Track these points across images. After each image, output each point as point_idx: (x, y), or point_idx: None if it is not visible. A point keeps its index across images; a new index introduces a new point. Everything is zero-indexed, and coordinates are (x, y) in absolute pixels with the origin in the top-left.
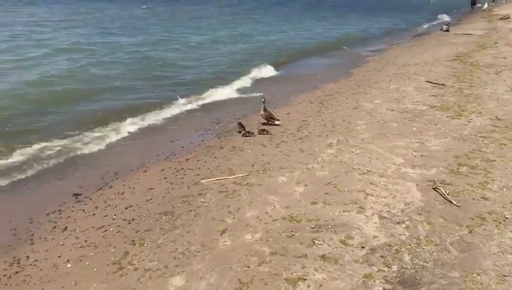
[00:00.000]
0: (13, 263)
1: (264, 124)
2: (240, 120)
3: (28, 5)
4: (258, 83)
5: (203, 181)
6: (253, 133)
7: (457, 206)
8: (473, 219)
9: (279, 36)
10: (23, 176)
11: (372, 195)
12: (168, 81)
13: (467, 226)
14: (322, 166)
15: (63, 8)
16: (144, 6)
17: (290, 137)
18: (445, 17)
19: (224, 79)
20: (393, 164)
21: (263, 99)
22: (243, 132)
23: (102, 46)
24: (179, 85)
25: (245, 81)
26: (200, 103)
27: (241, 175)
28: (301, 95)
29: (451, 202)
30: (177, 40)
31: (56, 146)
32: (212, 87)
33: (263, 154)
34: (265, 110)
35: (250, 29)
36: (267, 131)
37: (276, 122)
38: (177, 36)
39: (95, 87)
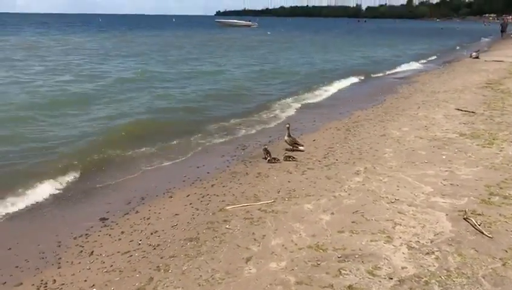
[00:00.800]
0: (40, 286)
1: (288, 150)
2: (266, 146)
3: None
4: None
5: (228, 207)
6: (278, 159)
7: (490, 237)
8: (506, 251)
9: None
10: (51, 199)
11: (401, 224)
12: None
13: (500, 259)
14: (349, 194)
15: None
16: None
17: (316, 164)
18: (481, 42)
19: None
20: (422, 193)
21: (288, 125)
22: (268, 158)
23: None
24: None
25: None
26: (226, 133)
27: (267, 202)
28: (328, 121)
29: (482, 233)
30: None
31: (84, 170)
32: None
33: (289, 181)
34: (289, 135)
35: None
36: (293, 157)
37: (301, 147)
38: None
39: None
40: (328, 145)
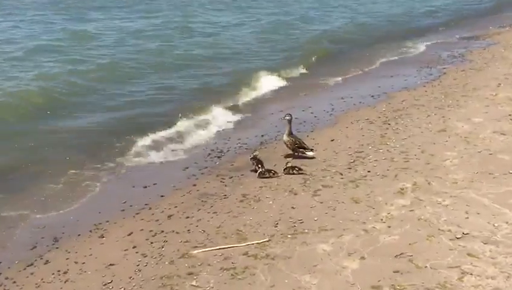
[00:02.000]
0: None
1: (290, 156)
2: (256, 152)
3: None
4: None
5: (195, 252)
6: (275, 172)
7: None
8: None
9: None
10: None
11: (472, 274)
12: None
13: None
14: (389, 226)
15: None
16: None
17: (337, 178)
18: None
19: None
20: (506, 223)
21: (288, 117)
22: (259, 170)
23: None
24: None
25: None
26: (196, 120)
27: (257, 242)
28: (354, 109)
29: None
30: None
31: None
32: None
33: (293, 207)
34: (290, 134)
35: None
36: (298, 169)
37: (309, 153)
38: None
39: None
40: (354, 148)
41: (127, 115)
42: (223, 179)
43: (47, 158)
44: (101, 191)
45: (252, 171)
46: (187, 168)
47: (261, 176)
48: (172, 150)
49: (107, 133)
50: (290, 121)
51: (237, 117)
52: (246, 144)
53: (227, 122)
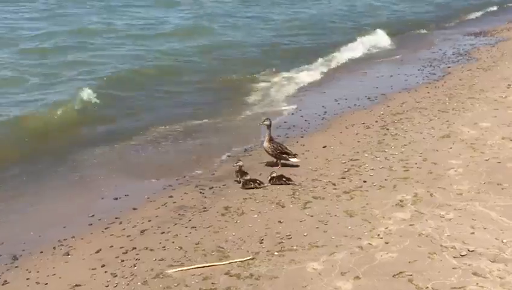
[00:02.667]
0: None
1: (274, 165)
2: (240, 162)
3: None
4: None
5: (171, 271)
6: (261, 182)
7: None
8: None
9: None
10: None
11: None
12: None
13: None
14: (387, 242)
15: None
16: None
17: (329, 189)
18: None
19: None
20: None
21: (267, 122)
22: (243, 180)
23: None
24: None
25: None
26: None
27: (241, 260)
28: (349, 113)
29: None
30: None
31: None
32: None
33: (280, 221)
34: (271, 140)
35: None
36: (287, 179)
37: (292, 159)
38: None
39: None
40: (349, 156)
41: None
42: (202, 189)
43: (4, 167)
44: (66, 203)
45: (236, 181)
46: (162, 177)
47: (245, 186)
48: (146, 158)
49: None
50: (269, 126)
51: (225, 124)
52: (230, 150)
53: (209, 130)
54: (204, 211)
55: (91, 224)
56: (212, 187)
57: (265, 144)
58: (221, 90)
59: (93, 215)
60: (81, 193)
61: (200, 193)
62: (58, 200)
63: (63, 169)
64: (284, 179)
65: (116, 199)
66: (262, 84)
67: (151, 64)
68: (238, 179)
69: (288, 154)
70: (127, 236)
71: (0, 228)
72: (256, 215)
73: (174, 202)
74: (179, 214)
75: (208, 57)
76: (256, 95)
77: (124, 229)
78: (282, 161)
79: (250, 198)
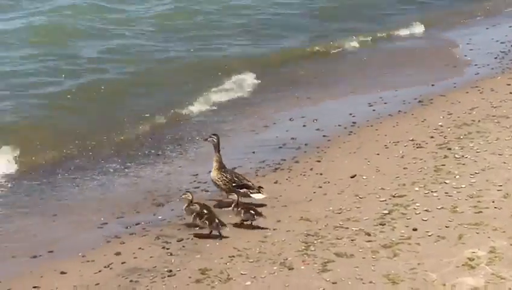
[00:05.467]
0: None
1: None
2: (188, 192)
3: None
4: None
5: None
6: (221, 225)
7: None
8: None
9: None
10: None
11: None
12: None
13: None
14: None
15: None
16: None
17: (360, 242)
18: None
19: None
20: None
21: (213, 139)
22: (199, 221)
23: None
24: None
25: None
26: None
27: None
28: (390, 122)
29: None
30: None
31: None
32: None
33: None
34: (221, 167)
35: None
36: (255, 214)
37: (256, 196)
38: None
39: None
40: (391, 190)
41: None
42: (166, 242)
43: None
44: None
45: (195, 227)
46: (105, 224)
47: (212, 231)
48: (80, 192)
49: None
50: (217, 146)
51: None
52: (206, 183)
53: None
54: (169, 275)
55: None
56: (182, 239)
57: (213, 174)
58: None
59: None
60: None
61: (163, 247)
62: None
63: None
64: (253, 213)
65: (35, 256)
66: None
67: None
68: (197, 222)
69: (248, 187)
70: None
71: None
72: (249, 283)
73: (123, 262)
74: (131, 281)
75: None
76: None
77: None
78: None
79: (240, 255)
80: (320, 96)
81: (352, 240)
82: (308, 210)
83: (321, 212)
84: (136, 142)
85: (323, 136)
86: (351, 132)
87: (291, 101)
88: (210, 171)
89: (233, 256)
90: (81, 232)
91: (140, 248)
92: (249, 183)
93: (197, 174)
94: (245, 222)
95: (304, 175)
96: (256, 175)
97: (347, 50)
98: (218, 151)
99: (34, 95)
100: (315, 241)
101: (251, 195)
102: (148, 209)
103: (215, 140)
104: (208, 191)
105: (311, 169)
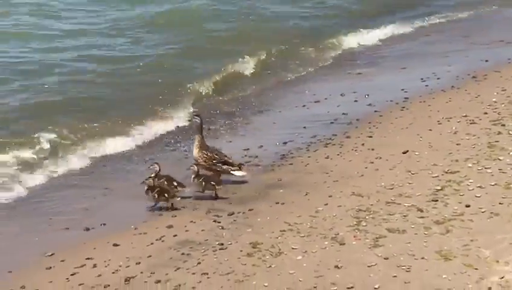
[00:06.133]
0: None
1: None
2: (155, 163)
3: None
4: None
5: None
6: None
7: None
8: None
9: None
10: None
11: None
12: None
13: None
14: None
15: None
16: None
17: (412, 218)
18: None
19: None
20: None
21: (196, 120)
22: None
23: None
24: None
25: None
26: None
27: None
28: (442, 98)
29: None
30: None
31: None
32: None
33: (337, 267)
34: (203, 146)
35: None
36: (216, 184)
37: (236, 173)
38: None
39: None
40: (443, 167)
41: None
42: (217, 216)
43: None
44: (10, 236)
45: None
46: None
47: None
48: (129, 167)
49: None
50: (200, 126)
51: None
52: (257, 157)
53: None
54: (221, 249)
55: (50, 267)
56: (233, 213)
57: (195, 152)
58: None
59: (52, 255)
60: (30, 222)
61: (214, 221)
62: None
63: None
64: (212, 182)
65: (88, 229)
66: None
67: None
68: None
69: (229, 164)
70: (105, 287)
71: None
72: (300, 257)
73: (175, 235)
74: (183, 254)
75: None
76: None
77: (99, 275)
78: (216, 172)
79: (291, 230)
80: (371, 72)
81: (404, 215)
82: (360, 185)
83: (373, 188)
84: (187, 118)
85: (375, 111)
86: (403, 107)
87: (343, 76)
88: (193, 148)
89: (285, 230)
90: (133, 206)
91: (191, 221)
92: (230, 160)
93: (247, 149)
94: (206, 192)
95: (356, 150)
96: (308, 150)
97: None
98: (201, 132)
99: None
100: (366, 217)
101: (232, 172)
102: (199, 183)
103: (198, 121)
104: (259, 165)
105: (363, 144)
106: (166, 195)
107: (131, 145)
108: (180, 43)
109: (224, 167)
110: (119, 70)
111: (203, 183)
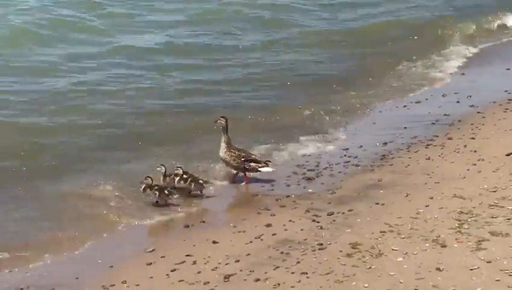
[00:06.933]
0: None
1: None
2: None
3: None
4: None
5: None
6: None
7: None
8: None
9: None
10: None
11: None
12: None
13: None
14: None
15: None
16: None
17: None
18: None
19: None
20: None
21: (221, 122)
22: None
23: None
24: None
25: None
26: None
27: None
28: None
29: None
30: None
31: None
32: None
33: (439, 269)
34: (230, 146)
35: None
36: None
37: (264, 169)
38: None
39: None
40: None
41: None
42: (316, 215)
43: None
44: (118, 233)
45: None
46: (256, 195)
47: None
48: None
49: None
50: (225, 128)
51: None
52: (357, 157)
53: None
54: (320, 249)
55: (150, 263)
56: (332, 213)
57: (222, 153)
58: None
59: (153, 251)
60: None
61: (314, 220)
62: (91, 228)
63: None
64: (200, 181)
65: (187, 226)
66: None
67: None
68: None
69: (257, 162)
70: (204, 283)
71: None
72: (401, 259)
73: (274, 234)
74: (282, 253)
75: None
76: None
77: (199, 272)
78: (250, 173)
79: (391, 231)
80: (474, 72)
81: (508, 219)
82: (462, 188)
83: (475, 190)
84: (295, 118)
85: (478, 112)
86: (507, 109)
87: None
88: (219, 150)
89: (385, 232)
90: (231, 203)
91: (290, 221)
92: (257, 157)
93: (347, 149)
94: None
95: (457, 152)
96: (408, 151)
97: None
98: (227, 132)
99: None
100: (469, 220)
101: (260, 169)
102: (298, 182)
103: (223, 122)
104: (358, 165)
105: (465, 146)
106: (165, 192)
107: None
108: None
109: (252, 164)
110: None
111: (193, 184)
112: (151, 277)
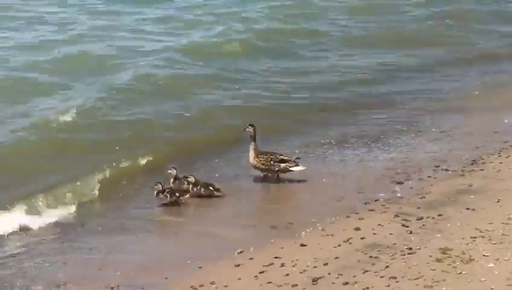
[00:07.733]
0: None
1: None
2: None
3: None
4: None
5: None
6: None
7: None
8: None
9: None
10: None
11: None
12: None
13: None
14: None
15: None
16: None
17: None
18: None
19: None
20: None
21: (250, 130)
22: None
23: None
24: None
25: None
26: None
27: None
28: None
29: None
30: None
31: None
32: None
33: None
34: (257, 152)
35: None
36: (214, 189)
37: (295, 168)
38: None
39: None
40: None
41: None
42: (406, 220)
43: None
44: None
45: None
46: (342, 198)
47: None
48: (325, 166)
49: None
50: (254, 136)
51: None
52: (446, 161)
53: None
54: (409, 253)
55: (239, 265)
56: (422, 218)
57: (251, 160)
58: None
59: (241, 252)
60: (218, 218)
61: (403, 225)
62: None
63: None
64: (210, 187)
65: (275, 227)
66: None
67: None
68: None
69: (286, 162)
70: (292, 286)
71: None
72: (492, 264)
73: (363, 238)
74: (371, 257)
75: None
76: None
77: (287, 274)
78: (281, 174)
79: (482, 236)
80: None
81: None
82: None
83: None
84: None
85: None
86: None
87: None
88: (249, 157)
89: (475, 237)
90: (319, 205)
91: (379, 225)
92: (286, 157)
93: (436, 152)
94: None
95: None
96: (499, 156)
97: None
98: (255, 140)
99: None
100: None
101: (290, 169)
102: (387, 186)
103: (251, 131)
104: (448, 170)
105: None
106: (177, 194)
107: None
108: None
109: (282, 165)
110: None
111: (202, 190)
112: (239, 278)
